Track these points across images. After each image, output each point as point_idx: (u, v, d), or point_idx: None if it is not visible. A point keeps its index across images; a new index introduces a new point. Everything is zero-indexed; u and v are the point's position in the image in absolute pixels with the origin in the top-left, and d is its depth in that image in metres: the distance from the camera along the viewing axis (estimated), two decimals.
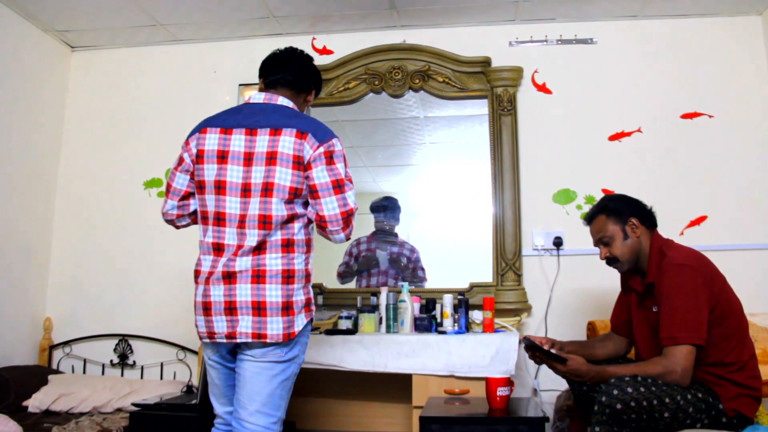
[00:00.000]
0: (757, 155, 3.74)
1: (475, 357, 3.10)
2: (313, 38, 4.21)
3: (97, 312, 4.03)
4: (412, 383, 3.13)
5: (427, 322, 3.42)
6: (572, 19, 3.99)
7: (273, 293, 2.11)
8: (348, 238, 2.24)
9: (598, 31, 3.99)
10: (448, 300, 3.44)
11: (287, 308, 2.12)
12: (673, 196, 3.69)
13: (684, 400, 2.27)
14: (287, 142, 2.17)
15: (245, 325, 2.10)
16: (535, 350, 2.55)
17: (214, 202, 2.20)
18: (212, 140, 2.23)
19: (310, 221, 2.25)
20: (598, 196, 3.56)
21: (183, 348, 3.91)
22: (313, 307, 2.24)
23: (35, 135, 4.08)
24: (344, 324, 3.50)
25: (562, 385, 3.16)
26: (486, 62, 3.94)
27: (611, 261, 2.66)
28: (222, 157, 2.20)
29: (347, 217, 2.19)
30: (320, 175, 2.17)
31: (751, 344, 2.49)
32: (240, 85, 4.21)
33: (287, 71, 2.38)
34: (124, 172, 4.22)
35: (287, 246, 2.16)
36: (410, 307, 3.43)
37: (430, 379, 3.12)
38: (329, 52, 4.18)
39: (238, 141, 2.21)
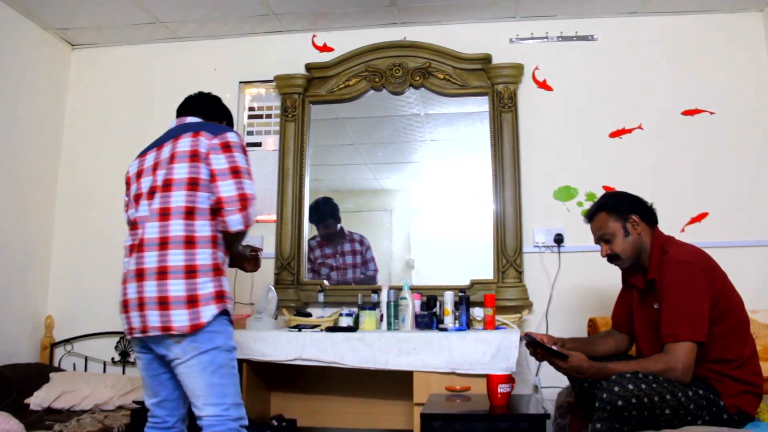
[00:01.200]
0: (757, 152, 3.74)
1: (476, 354, 3.10)
2: (314, 35, 4.21)
3: (99, 310, 4.02)
4: (413, 380, 3.13)
5: (428, 319, 3.42)
6: (573, 15, 3.99)
7: (174, 287, 2.20)
8: (246, 226, 2.30)
9: (599, 27, 3.99)
10: (449, 297, 3.44)
11: (191, 301, 2.20)
12: (674, 192, 3.69)
13: (685, 397, 2.28)
14: (185, 142, 2.34)
15: (153, 319, 2.21)
16: (537, 347, 2.55)
17: (133, 213, 2.38)
18: (133, 166, 2.50)
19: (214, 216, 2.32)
20: (599, 193, 3.56)
21: None
22: (227, 299, 2.30)
23: (36, 133, 4.09)
24: (345, 321, 3.50)
25: (563, 382, 3.16)
26: (486, 59, 3.94)
27: (612, 258, 2.66)
28: (138, 175, 2.43)
29: (244, 200, 2.26)
30: (218, 162, 2.29)
31: (752, 341, 2.49)
32: (240, 82, 4.21)
33: (198, 101, 2.70)
34: (124, 170, 4.20)
35: (189, 242, 2.25)
36: (411, 304, 3.43)
37: (431, 376, 3.12)
38: (330, 50, 4.17)
39: (149, 158, 2.43)
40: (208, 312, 2.22)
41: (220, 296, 2.26)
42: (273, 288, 3.60)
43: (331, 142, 4.25)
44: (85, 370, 4.00)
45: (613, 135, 3.84)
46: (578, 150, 3.85)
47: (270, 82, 4.17)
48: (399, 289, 3.52)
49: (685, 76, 3.86)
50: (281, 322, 3.74)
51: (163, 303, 2.20)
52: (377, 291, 3.62)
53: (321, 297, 3.82)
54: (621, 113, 3.86)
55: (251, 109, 4.21)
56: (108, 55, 4.41)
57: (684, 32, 3.92)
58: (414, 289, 3.57)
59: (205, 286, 2.24)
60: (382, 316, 3.49)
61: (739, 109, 3.79)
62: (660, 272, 2.48)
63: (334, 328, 3.37)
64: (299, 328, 3.46)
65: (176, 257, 2.23)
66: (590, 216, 2.73)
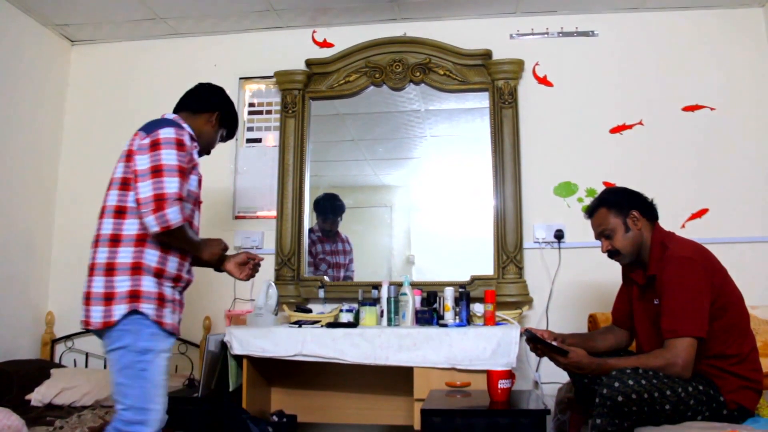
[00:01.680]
0: (758, 148, 3.73)
1: (476, 350, 3.10)
2: (314, 31, 4.21)
3: None
4: (414, 376, 3.13)
5: (428, 315, 3.42)
6: (573, 11, 3.98)
7: (95, 284, 2.27)
8: (162, 228, 2.22)
9: (599, 23, 3.98)
10: (449, 293, 3.44)
11: (108, 298, 2.24)
12: (674, 188, 3.69)
13: (685, 393, 2.28)
14: (129, 141, 2.43)
15: (83, 313, 2.29)
16: (537, 343, 2.55)
17: None
18: None
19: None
20: (599, 188, 3.55)
21: (184, 341, 3.91)
22: (145, 299, 2.27)
23: (36, 130, 4.09)
24: (345, 317, 3.50)
25: (564, 377, 3.16)
26: (487, 55, 3.93)
27: (613, 254, 2.66)
28: None
29: (159, 201, 2.23)
30: (141, 162, 2.31)
31: (752, 337, 2.50)
32: (240, 78, 4.21)
33: (187, 95, 2.72)
34: None
35: (114, 240, 2.30)
36: (411, 300, 3.43)
37: (431, 371, 3.12)
38: (329, 45, 4.17)
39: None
40: (118, 311, 2.24)
41: (134, 296, 2.25)
42: (273, 284, 3.60)
43: (332, 138, 4.25)
44: (86, 366, 4.00)
45: (614, 131, 3.84)
46: (578, 146, 3.85)
47: (270, 78, 4.17)
48: (399, 285, 3.52)
49: (686, 71, 3.85)
50: (281, 318, 3.74)
51: (87, 298, 2.28)
52: (377, 287, 3.62)
53: (321, 293, 3.83)
54: (621, 109, 3.86)
55: (251, 105, 4.21)
56: (108, 51, 4.40)
57: (685, 28, 3.91)
58: (414, 285, 3.57)
59: (122, 285, 2.26)
60: (382, 312, 3.49)
61: (740, 105, 3.78)
62: (660, 268, 2.48)
63: (335, 324, 3.37)
64: (299, 324, 3.46)
65: (101, 255, 2.30)
66: (591, 212, 2.72)
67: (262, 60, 4.20)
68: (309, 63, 4.10)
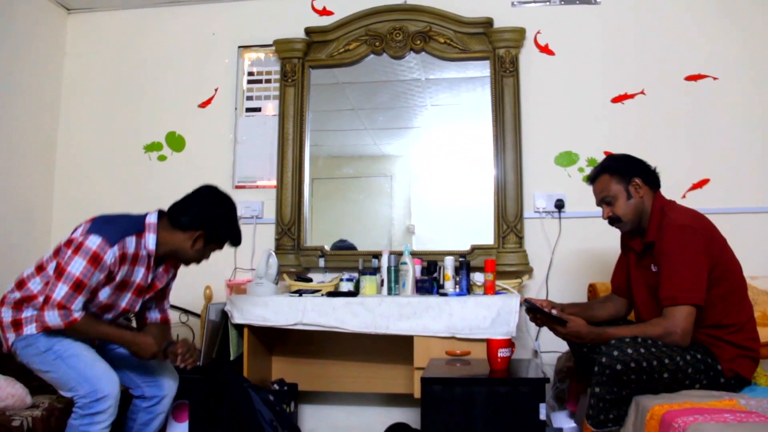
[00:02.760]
0: (761, 118, 3.70)
1: (476, 319, 3.11)
2: None
3: None
4: (414, 345, 3.15)
5: (428, 284, 3.43)
6: None
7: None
8: (43, 326, 2.42)
9: None
10: (449, 262, 3.45)
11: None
12: (675, 158, 3.67)
13: (683, 361, 2.30)
14: (77, 227, 2.54)
15: None
16: (536, 312, 2.56)
17: None
18: None
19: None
20: (600, 158, 3.52)
21: (186, 311, 3.93)
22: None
23: (34, 100, 4.05)
24: (346, 286, 3.52)
25: (563, 346, 3.18)
26: (488, 23, 3.89)
27: (614, 221, 2.66)
28: None
29: (46, 302, 2.38)
30: (61, 256, 2.44)
31: (750, 306, 2.51)
32: (239, 47, 4.17)
33: (179, 201, 2.62)
34: (123, 136, 4.21)
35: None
36: (411, 269, 3.44)
37: (431, 340, 3.14)
38: (329, 13, 4.12)
39: None
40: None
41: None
42: (273, 253, 3.60)
43: (331, 107, 4.23)
44: None
45: (615, 100, 3.82)
46: (580, 115, 3.83)
47: (269, 47, 4.13)
48: (399, 254, 3.52)
49: (689, 40, 3.81)
50: (282, 287, 3.75)
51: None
52: (378, 256, 3.63)
53: (322, 262, 3.84)
54: (623, 78, 3.82)
55: (250, 74, 4.17)
56: (104, 20, 4.36)
57: None
58: (414, 255, 3.57)
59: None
60: (382, 281, 3.50)
61: (743, 75, 3.74)
62: (659, 235, 2.48)
63: (335, 293, 3.39)
64: (300, 293, 3.47)
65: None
66: (593, 178, 2.71)
67: (262, 28, 4.15)
68: (308, 31, 4.06)
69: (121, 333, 2.57)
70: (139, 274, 2.56)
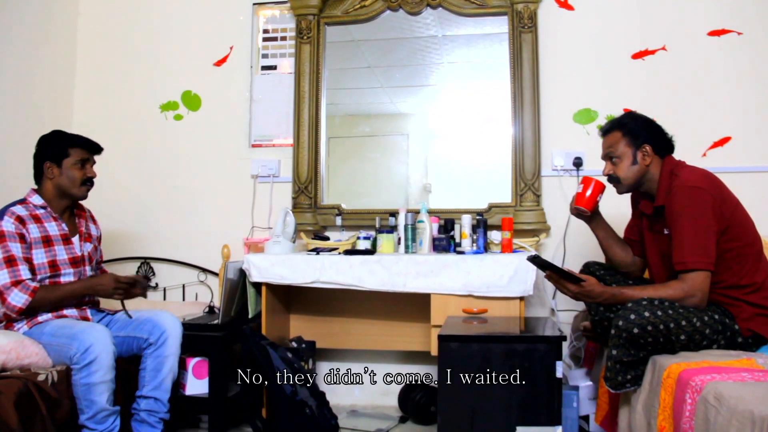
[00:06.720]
0: None
1: (493, 277, 3.12)
2: None
3: (118, 235, 4.07)
4: (431, 303, 3.17)
5: (445, 243, 3.44)
6: None
7: None
8: (17, 313, 2.68)
9: None
10: (466, 220, 3.45)
11: None
12: (696, 116, 3.62)
13: (701, 322, 2.30)
14: None
15: None
16: (546, 268, 2.55)
17: None
18: None
19: None
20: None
21: (204, 270, 3.97)
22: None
23: (48, 61, 4.03)
24: (363, 244, 3.53)
25: (579, 305, 3.19)
26: None
27: (612, 179, 2.66)
28: None
29: (3, 290, 2.65)
30: None
31: (767, 264, 2.49)
32: (254, 4, 4.13)
33: None
34: (139, 96, 4.20)
35: None
36: (429, 227, 3.44)
37: (448, 298, 3.16)
38: None
39: None
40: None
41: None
42: (290, 212, 3.61)
43: (347, 65, 4.19)
44: None
45: (636, 56, 3.75)
46: (599, 72, 3.77)
47: (284, 3, 4.08)
48: (416, 212, 3.52)
49: None
50: (299, 245, 3.77)
51: None
52: (395, 214, 3.63)
53: (338, 221, 3.85)
54: (644, 34, 3.74)
55: (265, 31, 4.13)
56: None
57: None
58: (431, 213, 3.57)
59: None
60: (399, 239, 3.51)
61: None
62: (669, 198, 2.46)
63: (352, 251, 3.40)
64: (317, 251, 3.49)
65: None
66: (605, 131, 2.70)
67: None
68: None
69: (82, 282, 2.85)
70: (53, 227, 2.83)
